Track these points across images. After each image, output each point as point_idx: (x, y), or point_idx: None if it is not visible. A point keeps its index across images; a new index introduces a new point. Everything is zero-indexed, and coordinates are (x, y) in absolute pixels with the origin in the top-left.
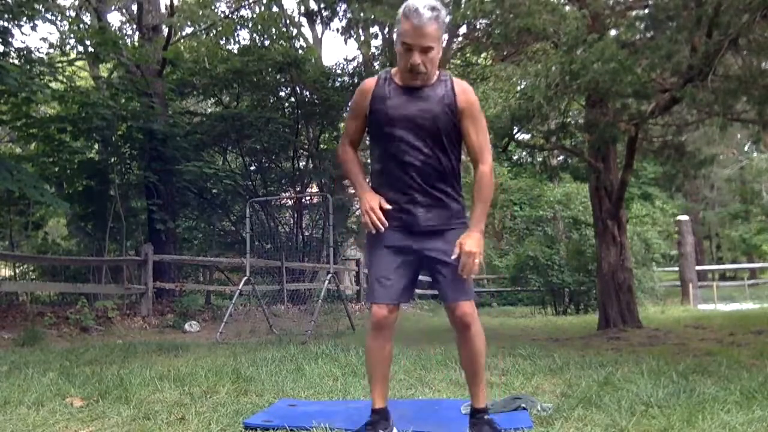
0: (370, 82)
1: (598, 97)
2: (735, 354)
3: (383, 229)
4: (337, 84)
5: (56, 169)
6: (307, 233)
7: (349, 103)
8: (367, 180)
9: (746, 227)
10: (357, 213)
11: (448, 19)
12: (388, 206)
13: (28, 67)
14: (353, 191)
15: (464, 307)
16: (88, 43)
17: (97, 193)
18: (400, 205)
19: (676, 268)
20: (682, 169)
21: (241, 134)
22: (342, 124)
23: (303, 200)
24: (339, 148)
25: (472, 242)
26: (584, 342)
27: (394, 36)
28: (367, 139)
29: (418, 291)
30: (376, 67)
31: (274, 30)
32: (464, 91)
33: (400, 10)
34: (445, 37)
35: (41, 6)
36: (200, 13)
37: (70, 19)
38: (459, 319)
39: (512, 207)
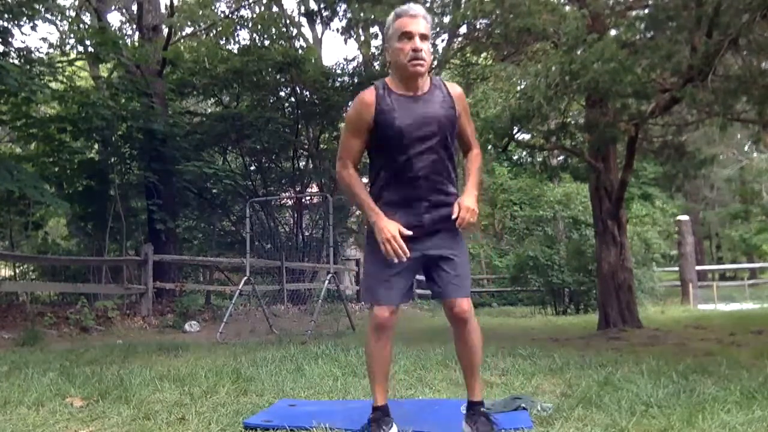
0: (369, 96)
1: (598, 97)
2: (735, 354)
3: (405, 258)
4: (337, 84)
5: (56, 169)
6: (307, 233)
7: (347, 120)
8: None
9: (746, 227)
10: (357, 212)
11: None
12: (408, 232)
13: (28, 67)
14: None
15: (462, 303)
16: (88, 43)
17: (97, 193)
18: (408, 214)
19: (676, 268)
20: (682, 169)
21: (241, 134)
22: (342, 125)
23: (303, 200)
24: (341, 171)
25: (470, 199)
26: (584, 342)
27: (388, 38)
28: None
29: (417, 291)
30: (376, 67)
31: (274, 30)
32: (458, 93)
33: (391, 16)
34: (445, 37)
35: (41, 6)
36: (200, 13)
37: (70, 19)
38: (457, 315)
39: (512, 207)
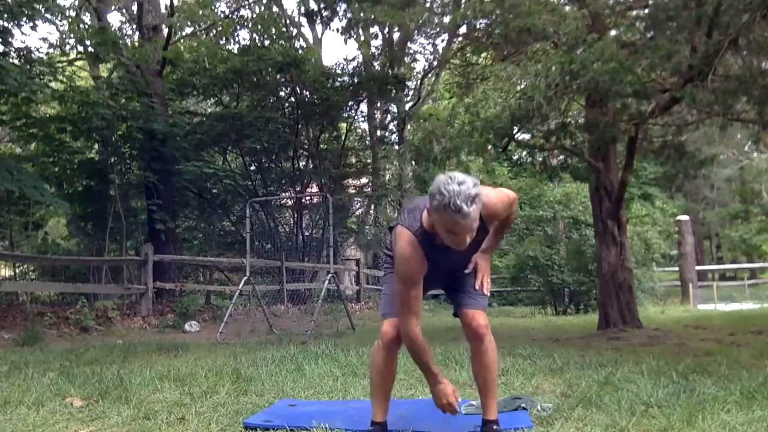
0: (416, 247)
1: (598, 97)
2: (735, 354)
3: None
4: (337, 84)
5: (56, 169)
6: (307, 233)
7: (400, 274)
8: None
9: (746, 227)
10: (357, 213)
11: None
12: (458, 399)
13: (28, 67)
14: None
15: (479, 318)
16: (88, 43)
17: (97, 193)
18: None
19: (676, 268)
20: (682, 169)
21: (241, 134)
22: (342, 124)
23: (303, 200)
24: (409, 329)
25: (485, 264)
26: (584, 342)
27: (432, 210)
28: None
29: None
30: (376, 67)
31: (274, 30)
32: (492, 212)
33: (440, 198)
34: (445, 37)
35: (41, 6)
36: (200, 13)
37: (70, 19)
38: (474, 331)
39: None
